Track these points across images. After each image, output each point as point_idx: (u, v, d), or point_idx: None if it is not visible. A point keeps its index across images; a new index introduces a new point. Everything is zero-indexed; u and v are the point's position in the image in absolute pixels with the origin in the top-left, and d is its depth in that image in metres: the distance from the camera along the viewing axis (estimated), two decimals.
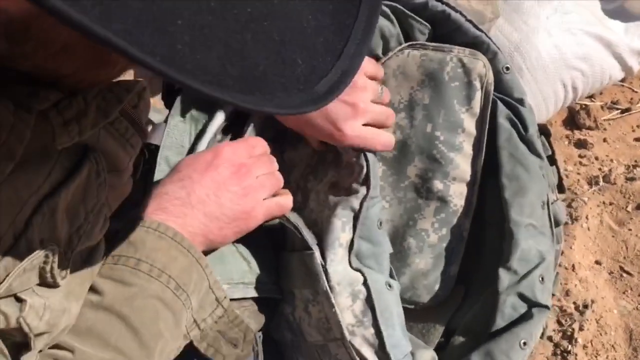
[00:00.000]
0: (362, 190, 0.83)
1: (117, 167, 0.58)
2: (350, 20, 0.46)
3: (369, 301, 0.81)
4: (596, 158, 1.32)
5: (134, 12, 0.31)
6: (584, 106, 1.34)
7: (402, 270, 0.95)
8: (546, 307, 0.91)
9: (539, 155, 0.94)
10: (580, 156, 1.32)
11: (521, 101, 0.94)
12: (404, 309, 0.96)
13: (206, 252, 0.73)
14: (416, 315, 0.95)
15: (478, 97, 0.91)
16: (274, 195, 0.79)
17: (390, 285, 0.85)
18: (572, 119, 1.36)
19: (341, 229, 0.82)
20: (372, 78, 0.85)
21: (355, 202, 0.83)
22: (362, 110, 0.81)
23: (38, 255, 0.48)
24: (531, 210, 0.92)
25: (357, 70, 0.45)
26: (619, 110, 1.36)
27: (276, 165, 0.81)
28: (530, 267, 0.90)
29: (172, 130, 0.89)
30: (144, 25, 0.32)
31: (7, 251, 0.45)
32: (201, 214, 0.70)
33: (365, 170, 0.83)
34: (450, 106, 0.91)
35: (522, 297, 0.90)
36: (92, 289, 0.60)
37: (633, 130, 1.35)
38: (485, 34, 0.93)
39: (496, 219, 0.94)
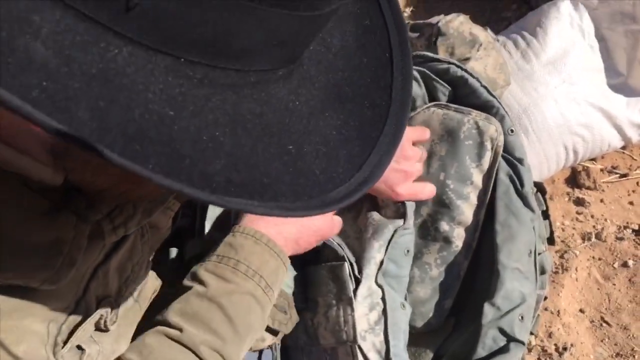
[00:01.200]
0: (399, 221, 0.97)
1: (158, 226, 0.70)
2: (376, 134, 0.47)
3: (384, 313, 0.94)
4: (592, 216, 1.43)
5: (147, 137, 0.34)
6: (585, 168, 1.46)
7: (404, 296, 1.08)
8: (522, 342, 1.02)
9: (531, 209, 1.07)
10: (577, 213, 1.44)
11: (521, 161, 1.07)
12: None
13: (292, 256, 0.84)
14: (411, 338, 1.06)
15: (488, 156, 1.03)
16: None
17: (404, 306, 0.98)
18: (574, 178, 1.48)
19: (377, 250, 0.96)
20: (418, 141, 1.00)
21: (391, 229, 0.96)
22: (411, 174, 0.97)
23: (95, 315, 0.57)
24: (518, 256, 1.04)
25: (377, 180, 0.46)
26: (618, 175, 1.48)
27: None
28: (512, 305, 1.02)
29: None
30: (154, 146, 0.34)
31: (70, 314, 0.53)
32: (295, 222, 0.81)
33: (405, 206, 0.98)
34: (462, 160, 1.03)
35: (502, 331, 1.01)
36: (199, 281, 0.71)
37: (629, 194, 1.46)
38: (497, 99, 1.06)
39: (489, 261, 1.06)
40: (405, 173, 0.96)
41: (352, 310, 0.92)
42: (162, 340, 0.66)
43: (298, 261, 0.94)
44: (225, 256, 0.73)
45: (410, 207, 0.98)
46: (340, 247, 0.95)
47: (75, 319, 0.55)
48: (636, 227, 1.40)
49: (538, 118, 1.28)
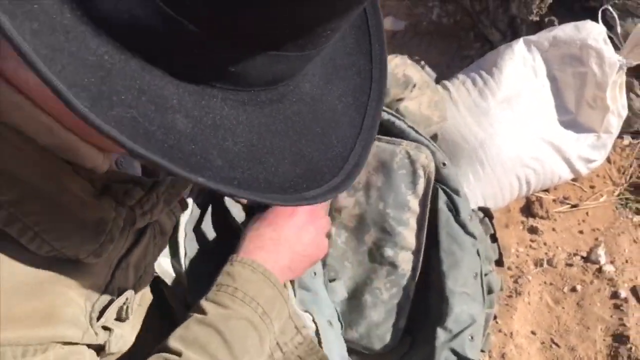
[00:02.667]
0: None
1: (164, 231, 0.77)
2: (365, 98, 0.58)
3: (317, 334, 0.97)
4: (544, 244, 1.52)
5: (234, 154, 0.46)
6: (539, 198, 1.56)
7: (359, 321, 1.13)
8: None
9: (471, 235, 1.13)
10: (531, 240, 1.53)
11: (456, 191, 1.13)
12: (360, 353, 1.14)
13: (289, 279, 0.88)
14: (368, 357, 1.13)
15: (421, 182, 1.10)
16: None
17: (331, 323, 1.01)
18: (528, 208, 1.57)
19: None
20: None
21: None
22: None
23: (122, 297, 0.64)
24: (464, 280, 1.11)
25: (373, 140, 0.56)
26: (569, 205, 1.58)
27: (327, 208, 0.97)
28: (462, 327, 1.09)
29: None
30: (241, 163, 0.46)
31: (101, 294, 0.61)
32: (289, 250, 0.83)
33: None
34: (398, 189, 1.10)
35: (454, 352, 1.08)
36: (200, 310, 0.74)
37: (579, 224, 1.56)
38: (425, 137, 1.13)
39: (438, 286, 1.13)
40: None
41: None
42: None
43: None
44: (224, 284, 0.76)
45: None
46: None
47: (105, 300, 0.62)
48: (584, 254, 1.50)
49: (493, 151, 1.38)
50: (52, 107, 0.49)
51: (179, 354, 0.68)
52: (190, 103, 0.44)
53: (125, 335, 0.68)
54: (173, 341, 0.70)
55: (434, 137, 1.27)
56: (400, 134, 1.13)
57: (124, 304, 0.66)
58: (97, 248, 0.57)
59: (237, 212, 0.98)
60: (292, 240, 0.84)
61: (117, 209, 0.58)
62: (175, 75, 0.44)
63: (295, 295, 0.97)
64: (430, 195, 1.10)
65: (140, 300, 0.75)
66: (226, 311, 0.73)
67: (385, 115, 1.11)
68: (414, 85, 1.22)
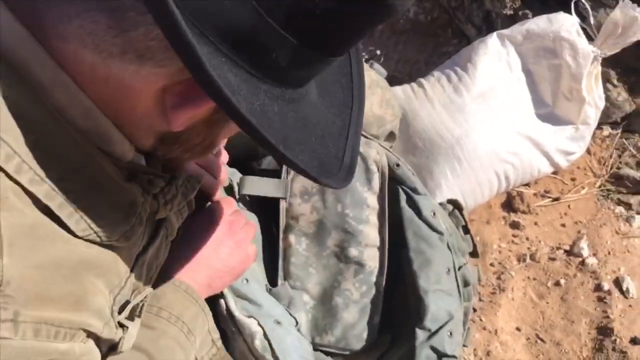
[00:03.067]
0: None
1: (173, 232, 0.76)
2: (348, 111, 0.65)
3: (266, 337, 0.95)
4: (527, 238, 1.51)
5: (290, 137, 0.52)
6: (519, 193, 1.55)
7: (334, 324, 1.12)
8: (454, 357, 1.08)
9: (437, 231, 1.12)
10: (513, 235, 1.52)
11: (414, 190, 1.12)
12: (340, 355, 1.13)
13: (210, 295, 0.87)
14: (347, 357, 1.12)
15: (376, 178, 1.10)
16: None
17: (279, 322, 0.98)
18: (509, 203, 1.56)
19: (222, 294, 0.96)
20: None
21: None
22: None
23: (142, 295, 0.66)
24: (437, 278, 1.10)
25: (359, 146, 0.64)
26: (550, 199, 1.57)
27: (246, 218, 0.95)
28: (440, 324, 1.08)
29: None
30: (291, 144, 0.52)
31: (121, 289, 0.61)
32: (206, 267, 0.84)
33: None
34: (354, 188, 1.09)
35: (434, 349, 1.07)
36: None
37: (561, 217, 1.55)
38: (375, 140, 1.12)
39: (412, 285, 1.12)
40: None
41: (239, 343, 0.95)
42: None
43: None
44: (149, 304, 0.75)
45: None
46: None
47: (125, 294, 0.63)
48: (567, 248, 1.49)
49: (470, 147, 1.37)
50: (94, 90, 0.52)
51: None
52: (246, 90, 0.49)
53: (133, 334, 0.68)
54: None
55: (391, 136, 1.25)
56: None
57: (142, 301, 0.66)
58: (128, 230, 0.58)
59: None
60: (208, 256, 0.85)
61: (144, 194, 0.61)
62: (235, 63, 0.49)
63: (235, 304, 0.96)
64: (391, 195, 1.09)
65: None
66: (153, 332, 0.73)
67: None
68: None
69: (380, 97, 1.20)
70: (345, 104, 0.65)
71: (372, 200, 1.09)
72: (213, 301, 0.94)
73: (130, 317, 0.66)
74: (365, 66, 1.22)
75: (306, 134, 0.56)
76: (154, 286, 0.78)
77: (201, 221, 0.87)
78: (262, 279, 1.07)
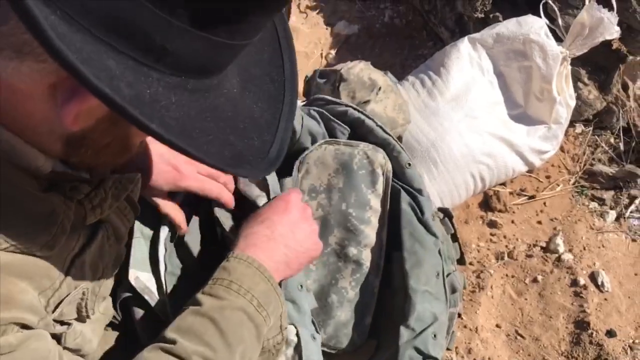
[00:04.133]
0: None
1: (118, 235, 0.79)
2: (279, 105, 0.65)
3: (298, 349, 0.99)
4: (504, 237, 1.55)
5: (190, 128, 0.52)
6: (496, 192, 1.58)
7: (328, 322, 1.14)
8: (436, 358, 1.11)
9: (434, 235, 1.16)
10: (491, 234, 1.55)
11: (420, 191, 1.16)
12: (329, 354, 1.15)
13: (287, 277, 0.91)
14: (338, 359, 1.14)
15: (381, 181, 1.13)
16: None
17: (314, 337, 1.02)
18: (486, 202, 1.59)
19: None
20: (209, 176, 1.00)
21: None
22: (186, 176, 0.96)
23: (77, 292, 0.67)
24: (426, 279, 1.13)
25: (288, 141, 0.64)
26: (526, 197, 1.60)
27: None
28: (425, 325, 1.10)
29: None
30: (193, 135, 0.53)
31: (56, 291, 0.64)
32: (283, 246, 0.87)
33: None
34: (359, 189, 1.12)
35: (417, 350, 1.09)
36: (195, 302, 0.78)
37: (537, 214, 1.58)
38: (392, 137, 1.16)
39: (401, 286, 1.15)
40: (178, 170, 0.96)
41: None
42: (157, 353, 0.72)
43: None
44: (219, 278, 0.79)
45: None
46: None
47: (60, 295, 0.65)
48: (544, 245, 1.52)
49: (445, 150, 1.39)
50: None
51: (174, 343, 0.71)
52: (131, 77, 0.48)
53: (85, 333, 0.71)
54: (169, 331, 0.73)
55: (399, 139, 1.30)
56: (368, 133, 1.15)
57: (82, 299, 0.68)
58: (50, 240, 0.60)
59: (226, 221, 0.98)
60: (286, 236, 0.88)
61: (66, 202, 0.63)
62: (117, 50, 0.48)
63: None
64: (392, 196, 1.12)
65: (103, 310, 0.77)
66: (221, 302, 0.76)
67: (355, 114, 1.13)
68: (379, 89, 1.24)
69: (394, 101, 1.24)
70: (276, 98, 0.65)
71: (375, 202, 1.11)
72: None
73: (80, 317, 0.70)
74: (380, 72, 1.26)
75: (216, 125, 0.56)
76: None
77: (277, 205, 0.91)
78: (306, 288, 1.08)
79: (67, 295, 0.66)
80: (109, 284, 0.78)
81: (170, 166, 0.92)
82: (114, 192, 0.70)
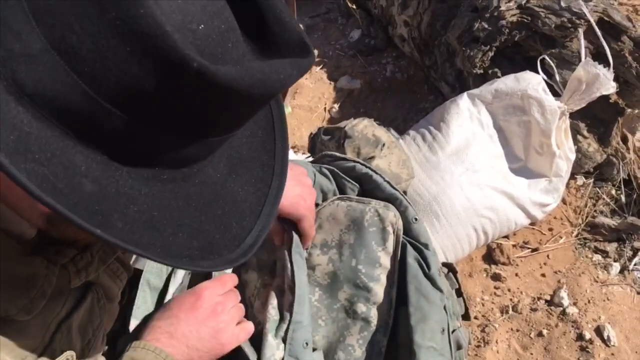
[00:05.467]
0: (288, 316, 1.04)
1: (110, 295, 0.79)
2: (266, 189, 0.66)
3: None
4: (508, 290, 1.54)
5: (133, 219, 0.51)
6: (499, 245, 1.59)
7: None
8: None
9: (439, 290, 1.16)
10: (495, 287, 1.55)
11: (426, 245, 1.17)
12: None
13: None
14: None
15: (391, 239, 1.14)
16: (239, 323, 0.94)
17: None
18: (490, 255, 1.59)
19: (276, 347, 1.02)
20: None
21: (283, 326, 1.02)
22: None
23: (62, 357, 0.66)
24: (432, 335, 1.12)
25: (271, 226, 0.64)
26: (529, 250, 1.61)
27: (239, 298, 0.97)
28: None
29: None
30: (140, 228, 0.52)
31: (38, 357, 0.63)
32: (184, 346, 0.84)
33: (291, 299, 1.04)
34: (369, 246, 1.13)
35: None
36: None
37: (540, 267, 1.58)
38: (399, 192, 1.18)
39: (406, 341, 1.14)
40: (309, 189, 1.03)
41: None
42: None
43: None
44: None
45: (300, 298, 1.03)
46: (248, 345, 1.00)
47: None
48: (548, 298, 1.51)
49: (447, 204, 1.41)
50: None
51: None
52: (99, 172, 0.50)
53: None
54: None
55: (404, 194, 1.31)
56: (376, 188, 1.16)
57: None
58: (28, 303, 0.60)
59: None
60: (188, 336, 0.85)
61: (48, 266, 0.63)
62: (86, 146, 0.50)
63: None
64: (401, 252, 1.13)
65: None
66: None
67: (362, 169, 1.15)
68: (384, 145, 1.27)
69: (398, 157, 1.26)
70: (264, 181, 0.66)
71: (385, 260, 1.12)
72: None
73: None
74: (384, 128, 1.29)
75: (189, 214, 0.56)
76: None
77: (186, 301, 0.88)
78: (312, 344, 1.08)
79: None
80: (99, 345, 0.77)
81: (300, 198, 0.98)
82: (101, 255, 0.71)
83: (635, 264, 1.55)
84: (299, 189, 0.97)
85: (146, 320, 0.92)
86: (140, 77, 0.46)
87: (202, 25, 0.48)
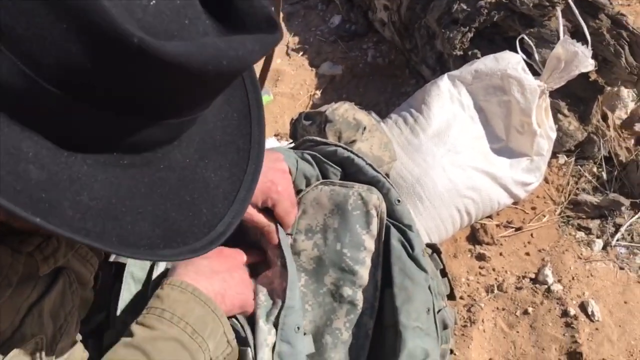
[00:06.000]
0: (279, 302, 1.04)
1: (82, 281, 0.78)
2: (241, 173, 0.64)
3: None
4: (493, 269, 1.55)
5: (95, 211, 0.50)
6: (483, 225, 1.60)
7: None
8: None
9: (424, 270, 1.17)
10: (480, 267, 1.56)
11: (410, 227, 1.17)
12: None
13: None
14: None
15: (375, 222, 1.14)
16: None
17: None
18: (474, 236, 1.60)
19: (268, 332, 1.03)
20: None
21: (275, 311, 1.03)
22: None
23: (30, 343, 0.66)
24: (417, 315, 1.13)
25: (245, 212, 0.62)
26: (513, 229, 1.62)
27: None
28: None
29: None
30: (95, 217, 0.50)
31: (6, 341, 0.63)
32: (221, 280, 0.88)
33: (284, 285, 1.05)
34: (354, 229, 1.13)
35: None
36: (128, 333, 0.76)
37: (524, 246, 1.59)
38: (381, 174, 1.18)
39: (392, 322, 1.15)
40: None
41: None
42: None
43: None
44: (152, 306, 0.78)
45: (292, 286, 1.05)
46: (244, 329, 1.01)
47: (10, 345, 0.63)
48: (533, 276, 1.53)
49: (429, 185, 1.41)
50: None
51: None
52: (48, 158, 0.48)
53: None
54: None
55: (386, 177, 1.31)
56: (358, 172, 1.16)
57: (36, 350, 0.66)
58: None
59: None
60: (224, 274, 0.88)
61: (13, 255, 0.62)
62: (36, 131, 0.47)
63: (275, 347, 0.99)
64: (385, 234, 1.13)
65: (68, 356, 0.76)
66: (153, 332, 0.75)
67: (344, 153, 1.15)
68: (365, 128, 1.27)
69: (379, 140, 1.26)
70: (239, 166, 0.64)
71: (370, 243, 1.12)
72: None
73: None
74: (365, 111, 1.29)
75: (151, 201, 0.54)
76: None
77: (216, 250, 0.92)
78: (302, 329, 1.09)
79: (20, 345, 0.65)
80: (72, 330, 0.76)
81: (270, 182, 0.98)
82: (69, 240, 0.69)
83: (617, 240, 1.57)
84: (271, 174, 0.97)
85: (136, 305, 0.92)
86: (79, 56, 0.44)
87: (154, 1, 0.46)
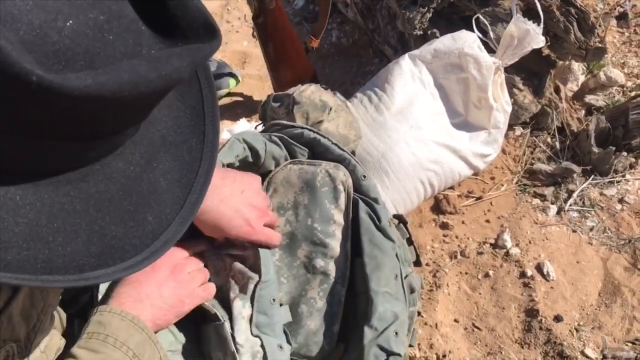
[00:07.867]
0: (256, 277, 1.10)
1: None
2: (192, 175, 0.59)
3: (265, 358, 1.08)
4: (456, 237, 1.65)
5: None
6: (445, 196, 1.69)
7: (298, 331, 1.22)
8: (399, 355, 1.19)
9: (391, 239, 1.25)
10: (444, 235, 1.66)
11: (376, 200, 1.26)
12: None
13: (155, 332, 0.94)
14: None
15: (342, 197, 1.22)
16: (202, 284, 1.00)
17: (281, 347, 1.09)
18: (437, 206, 1.70)
19: (242, 306, 1.09)
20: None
21: (251, 286, 1.09)
22: (266, 213, 1.05)
23: (1, 352, 0.67)
24: (386, 281, 1.22)
25: (194, 217, 0.58)
26: (474, 198, 1.72)
27: (201, 264, 1.03)
28: (386, 324, 1.19)
29: None
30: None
31: None
32: (149, 306, 0.89)
33: (259, 261, 1.09)
34: (323, 205, 1.21)
35: (381, 347, 1.18)
36: (71, 356, 0.78)
37: (485, 214, 1.69)
38: (347, 152, 1.25)
39: (364, 289, 1.24)
40: (260, 211, 1.04)
41: None
42: None
43: (192, 319, 1.06)
44: (95, 332, 0.81)
45: (265, 259, 1.11)
46: (214, 307, 1.07)
47: None
48: (493, 241, 1.63)
49: (394, 160, 1.50)
50: None
51: None
52: None
53: None
54: None
55: (353, 154, 1.39)
56: (325, 151, 1.23)
57: (8, 356, 0.68)
58: None
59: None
60: (152, 296, 0.90)
61: None
62: None
63: (252, 319, 1.06)
64: (352, 205, 1.21)
65: (44, 348, 0.78)
66: (98, 356, 0.78)
67: (310, 135, 1.22)
68: (331, 109, 1.34)
69: (345, 119, 1.33)
70: (191, 168, 0.60)
71: (339, 217, 1.20)
72: (216, 322, 1.04)
73: None
74: (330, 92, 1.35)
75: (87, 217, 0.50)
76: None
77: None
78: (279, 299, 1.15)
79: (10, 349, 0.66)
80: (47, 326, 0.78)
81: (244, 221, 1.00)
82: None
83: (570, 205, 1.68)
84: (246, 211, 1.00)
85: (110, 291, 0.97)
86: None
87: (71, 21, 0.42)
